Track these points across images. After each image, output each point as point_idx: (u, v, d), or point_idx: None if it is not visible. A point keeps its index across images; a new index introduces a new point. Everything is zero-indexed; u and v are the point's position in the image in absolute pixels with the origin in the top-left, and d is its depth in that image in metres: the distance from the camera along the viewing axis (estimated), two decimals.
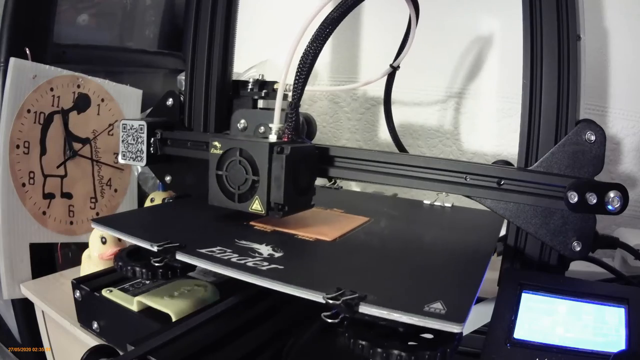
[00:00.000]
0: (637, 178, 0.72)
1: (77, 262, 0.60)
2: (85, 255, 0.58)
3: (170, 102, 0.58)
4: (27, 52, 0.62)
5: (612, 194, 0.36)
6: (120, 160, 0.55)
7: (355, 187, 0.78)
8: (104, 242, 0.56)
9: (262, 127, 0.47)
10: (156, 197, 0.67)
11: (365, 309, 0.29)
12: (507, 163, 0.56)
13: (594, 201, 0.36)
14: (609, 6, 0.70)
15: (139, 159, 0.54)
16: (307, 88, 0.43)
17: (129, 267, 0.42)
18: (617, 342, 0.32)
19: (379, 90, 0.68)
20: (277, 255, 0.38)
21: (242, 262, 0.36)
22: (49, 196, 0.65)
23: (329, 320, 0.31)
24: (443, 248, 0.45)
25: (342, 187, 0.68)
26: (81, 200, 0.69)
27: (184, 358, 0.35)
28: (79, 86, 0.68)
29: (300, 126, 0.46)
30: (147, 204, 0.68)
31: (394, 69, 0.60)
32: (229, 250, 0.38)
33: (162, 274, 0.42)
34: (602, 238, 0.43)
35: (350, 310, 0.29)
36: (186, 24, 0.97)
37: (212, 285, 0.48)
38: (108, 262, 0.56)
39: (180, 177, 0.58)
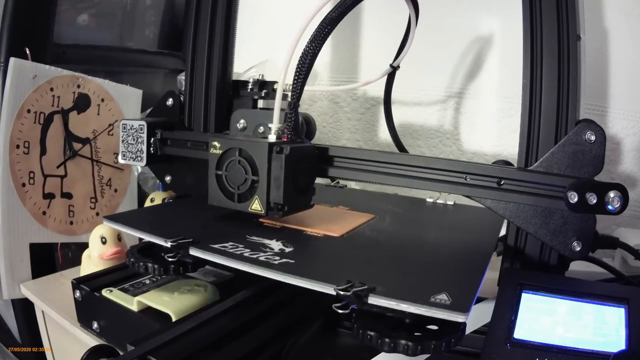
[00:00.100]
0: (637, 178, 0.72)
1: (77, 262, 0.60)
2: (85, 255, 0.58)
3: (170, 102, 0.58)
4: (27, 52, 0.62)
5: (612, 194, 0.36)
6: (120, 160, 0.55)
7: (354, 186, 0.78)
8: (104, 242, 0.56)
9: (261, 127, 0.47)
10: (156, 197, 0.67)
11: (374, 299, 0.31)
12: (507, 163, 0.56)
13: (594, 201, 0.36)
14: (609, 6, 0.70)
15: (139, 159, 0.54)
16: (307, 88, 0.43)
17: (141, 263, 0.43)
18: (617, 342, 0.32)
19: (379, 90, 0.68)
20: (287, 250, 0.39)
21: (255, 256, 0.37)
22: (49, 196, 0.65)
23: (340, 311, 0.32)
24: (446, 244, 0.46)
25: (346, 186, 0.69)
26: (81, 200, 0.69)
27: (184, 358, 0.35)
28: (79, 86, 0.68)
29: (299, 126, 0.46)
30: (147, 204, 0.68)
31: (394, 69, 0.60)
32: (241, 246, 0.39)
33: (174, 270, 0.42)
34: (602, 238, 0.43)
35: (360, 301, 0.31)
36: (186, 24, 0.97)
37: (212, 285, 0.48)
38: (108, 262, 0.56)
39: (180, 177, 0.58)
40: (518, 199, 0.40)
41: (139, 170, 0.77)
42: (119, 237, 0.58)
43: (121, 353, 0.37)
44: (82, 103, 0.68)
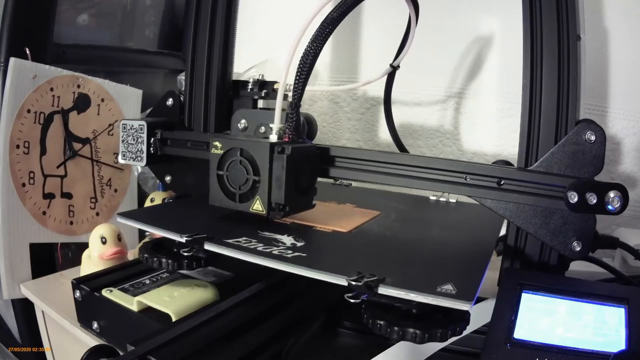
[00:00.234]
0: (637, 178, 0.72)
1: (77, 262, 0.60)
2: (85, 255, 0.58)
3: (170, 102, 0.58)
4: (27, 52, 0.63)
5: (612, 194, 0.36)
6: (120, 160, 0.55)
7: (358, 185, 0.78)
8: (104, 242, 0.56)
9: (262, 127, 0.47)
10: (156, 197, 0.67)
11: (384, 290, 0.32)
12: (507, 163, 0.56)
13: (594, 201, 0.36)
14: (609, 6, 0.70)
15: (139, 159, 0.54)
16: (307, 88, 0.43)
17: (155, 259, 0.43)
18: (617, 342, 0.32)
19: (379, 90, 0.68)
20: (299, 244, 0.41)
21: (268, 250, 0.39)
22: (49, 196, 0.65)
23: (352, 301, 0.34)
24: (449, 239, 0.48)
25: (351, 184, 0.69)
26: (81, 200, 0.69)
27: (184, 358, 0.35)
28: (79, 86, 0.68)
29: (301, 126, 0.46)
30: (147, 204, 0.68)
31: (394, 69, 0.60)
32: (254, 240, 0.40)
33: (187, 265, 0.43)
34: (602, 238, 0.43)
35: (371, 291, 0.32)
36: (186, 24, 0.97)
37: (212, 285, 0.48)
38: (108, 262, 0.56)
39: (180, 177, 0.58)
40: (518, 199, 0.40)
41: (139, 170, 0.77)
42: (119, 237, 0.58)
43: (121, 353, 0.37)
44: (82, 103, 0.68)
